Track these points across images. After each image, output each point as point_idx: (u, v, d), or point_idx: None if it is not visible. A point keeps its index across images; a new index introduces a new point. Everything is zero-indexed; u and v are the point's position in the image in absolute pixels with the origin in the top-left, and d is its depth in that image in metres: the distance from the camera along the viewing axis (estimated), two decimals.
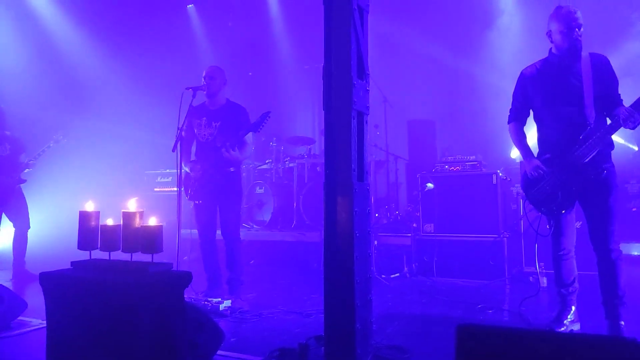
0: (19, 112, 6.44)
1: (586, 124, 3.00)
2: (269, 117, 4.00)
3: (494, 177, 5.11)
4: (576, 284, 3.24)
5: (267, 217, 6.38)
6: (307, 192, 6.24)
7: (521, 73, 3.33)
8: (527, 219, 3.48)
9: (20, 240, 5.50)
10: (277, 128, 7.25)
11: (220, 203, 4.13)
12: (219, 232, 4.23)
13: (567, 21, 3.02)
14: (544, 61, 3.24)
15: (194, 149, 4.29)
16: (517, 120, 3.37)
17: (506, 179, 5.40)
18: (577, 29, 3.01)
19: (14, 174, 5.43)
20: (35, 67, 7.31)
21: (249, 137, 4.15)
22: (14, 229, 5.54)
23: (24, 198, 5.56)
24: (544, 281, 4.55)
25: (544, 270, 4.58)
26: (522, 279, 4.84)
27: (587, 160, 2.99)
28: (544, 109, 3.20)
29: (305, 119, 8.92)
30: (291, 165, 6.83)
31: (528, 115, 3.36)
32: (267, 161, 7.13)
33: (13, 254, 5.48)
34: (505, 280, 4.84)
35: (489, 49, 6.79)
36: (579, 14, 3.03)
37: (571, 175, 3.06)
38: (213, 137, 4.12)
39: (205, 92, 4.17)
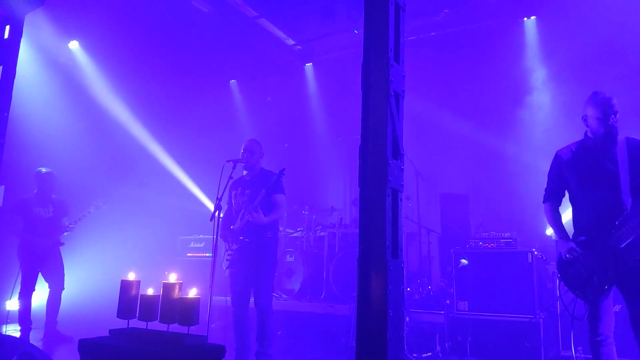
0: (65, 176, 6.80)
1: (623, 209, 2.99)
2: (284, 174, 4.17)
3: (530, 255, 5.01)
4: None
5: (296, 286, 6.35)
6: (337, 262, 6.22)
7: (556, 154, 3.36)
8: (562, 301, 3.38)
9: (53, 300, 5.63)
10: (309, 197, 7.40)
11: (255, 271, 4.17)
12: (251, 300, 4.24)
13: (603, 108, 3.09)
14: (580, 144, 3.28)
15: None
16: (551, 200, 3.38)
17: (542, 257, 5.28)
18: (612, 116, 3.07)
19: (54, 236, 5.66)
20: (83, 134, 7.76)
21: (282, 199, 4.26)
22: (49, 289, 5.69)
23: (61, 260, 5.75)
24: None
25: (582, 355, 4.36)
26: None
27: (623, 246, 2.95)
28: (579, 192, 3.21)
29: (337, 189, 9.05)
30: (322, 234, 6.86)
31: (563, 195, 3.36)
32: (298, 229, 7.20)
33: (46, 314, 5.59)
34: None
35: (520, 126, 6.87)
36: (615, 101, 3.10)
37: (607, 261, 3.01)
38: (245, 204, 4.26)
39: (243, 165, 4.35)
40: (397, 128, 2.62)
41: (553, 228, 3.38)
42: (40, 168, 5.91)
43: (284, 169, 4.20)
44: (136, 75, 7.95)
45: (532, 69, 6.99)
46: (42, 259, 5.55)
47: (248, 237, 4.14)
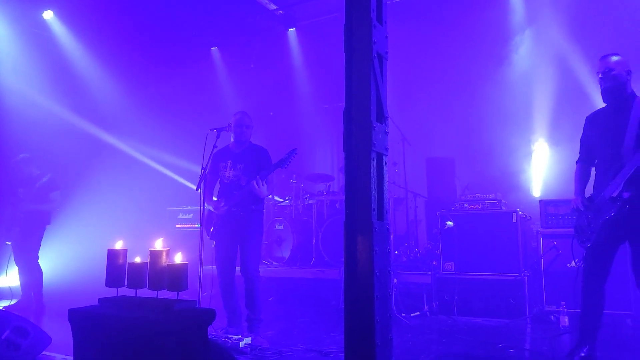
0: (46, 150, 6.72)
1: (622, 163, 3.13)
2: (296, 154, 4.15)
3: (514, 215, 5.10)
4: (601, 321, 3.23)
5: (286, 253, 6.42)
6: (326, 229, 6.28)
7: (586, 118, 3.55)
8: (545, 258, 3.55)
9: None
10: (297, 165, 7.36)
11: (240, 241, 4.21)
12: (238, 269, 4.28)
13: (598, 68, 3.30)
14: (603, 108, 3.45)
15: (216, 189, 4.41)
16: (582, 162, 3.58)
17: (526, 217, 5.38)
18: (600, 74, 3.27)
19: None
20: (62, 106, 7.62)
21: (274, 175, 4.28)
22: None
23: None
24: (565, 320, 4.48)
25: (565, 310, 4.51)
26: (543, 317, 4.77)
27: (612, 195, 3.12)
28: (597, 151, 3.41)
29: (325, 157, 9.05)
30: (311, 202, 6.90)
31: (594, 157, 3.49)
32: (286, 198, 7.22)
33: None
34: (526, 319, 4.78)
35: (504, 87, 6.87)
36: (610, 59, 3.26)
37: (598, 210, 3.21)
38: (237, 178, 4.25)
39: (233, 139, 4.34)
40: (381, 91, 2.60)
41: (575, 184, 3.56)
42: (20, 155, 5.92)
43: (295, 150, 4.17)
44: (114, 44, 7.74)
45: (517, 27, 6.95)
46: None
47: (236, 206, 4.15)
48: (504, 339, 4.08)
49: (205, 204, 4.19)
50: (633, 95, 3.26)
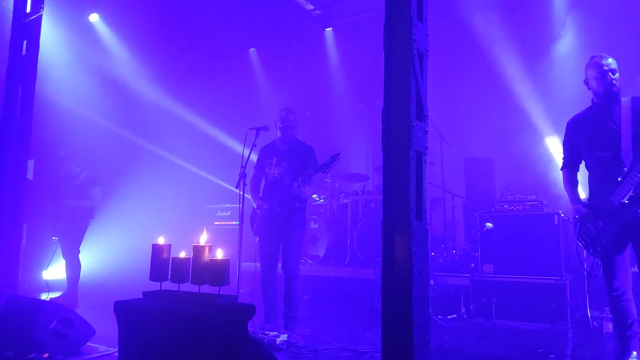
0: (91, 150, 6.97)
1: (622, 167, 3.07)
2: (338, 159, 4.17)
3: (556, 217, 4.96)
4: (636, 328, 3.16)
5: (321, 252, 6.44)
6: (361, 229, 6.26)
7: (567, 123, 3.49)
8: (579, 260, 3.46)
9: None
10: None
11: (283, 238, 4.27)
12: (279, 265, 4.34)
13: (599, 67, 3.21)
14: (587, 110, 3.40)
15: (262, 185, 4.48)
16: (567, 168, 3.53)
17: (568, 219, 5.21)
18: (610, 73, 3.17)
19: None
20: (107, 107, 7.89)
21: (317, 176, 4.30)
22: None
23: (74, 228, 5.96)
24: (609, 326, 4.32)
25: (608, 315, 4.35)
26: (586, 323, 4.60)
27: (623, 201, 3.05)
28: (587, 155, 3.34)
29: (359, 156, 9.03)
30: (345, 201, 6.90)
31: (579, 162, 3.48)
32: (321, 197, 7.25)
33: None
34: (567, 324, 4.64)
35: (546, 85, 6.68)
36: (610, 60, 3.21)
37: (609, 217, 3.12)
38: (281, 176, 4.30)
39: (280, 136, 4.38)
40: (420, 89, 2.58)
41: (567, 193, 3.51)
42: (60, 153, 6.17)
43: (338, 154, 4.18)
44: (156, 46, 7.95)
45: (558, 19, 6.75)
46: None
47: (279, 206, 4.21)
48: (544, 344, 3.97)
49: (251, 200, 4.29)
50: (618, 96, 3.21)
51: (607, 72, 3.17)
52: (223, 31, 8.25)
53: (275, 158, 4.36)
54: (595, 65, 3.23)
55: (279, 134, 4.39)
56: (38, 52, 4.38)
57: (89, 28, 8.02)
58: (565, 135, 3.50)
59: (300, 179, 4.10)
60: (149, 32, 7.77)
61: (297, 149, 4.37)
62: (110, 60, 8.14)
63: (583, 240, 3.30)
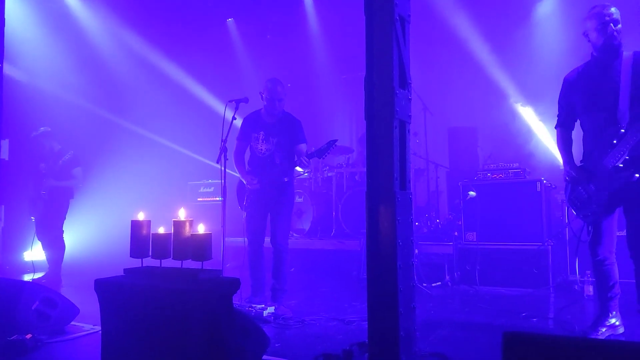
0: (68, 124, 6.80)
1: (618, 129, 2.94)
2: (335, 145, 4.09)
3: (538, 184, 5.00)
4: (617, 289, 3.16)
5: (306, 225, 6.45)
6: (345, 201, 6.27)
7: (564, 79, 3.30)
8: (570, 227, 3.43)
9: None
10: (315, 138, 7.33)
11: (272, 212, 4.21)
12: (267, 239, 4.32)
13: (599, 17, 2.99)
14: (585, 64, 3.20)
15: (247, 157, 4.38)
16: (562, 126, 3.35)
17: (551, 186, 5.27)
18: (611, 24, 2.96)
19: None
20: (82, 80, 7.67)
21: (304, 147, 4.23)
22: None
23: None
24: (590, 289, 4.42)
25: (589, 279, 4.45)
26: (567, 287, 4.72)
27: (617, 164, 2.94)
28: (583, 114, 3.18)
29: (343, 129, 8.98)
30: (330, 174, 6.88)
31: (575, 120, 3.31)
32: (306, 171, 7.21)
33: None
34: (549, 288, 4.74)
35: (526, 52, 6.66)
36: (613, 10, 2.99)
37: (602, 181, 3.03)
38: (271, 152, 4.20)
39: (265, 108, 4.23)
40: (403, 55, 2.52)
41: (560, 153, 3.37)
42: (40, 128, 5.93)
43: (335, 140, 4.09)
44: (131, 19, 7.70)
45: None
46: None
47: (270, 184, 4.13)
48: (527, 308, 4.05)
49: (239, 175, 4.22)
50: (620, 50, 3.00)
51: (608, 22, 2.95)
52: (200, 1, 8.00)
53: (262, 132, 4.21)
54: (595, 15, 2.99)
55: (265, 104, 4.24)
56: (4, 27, 4.18)
57: (61, 2, 7.72)
58: (561, 92, 3.29)
59: (303, 157, 3.99)
60: (123, 3, 7.51)
61: (285, 123, 4.24)
62: (84, 34, 7.87)
63: (573, 204, 3.21)
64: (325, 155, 4.06)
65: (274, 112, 4.20)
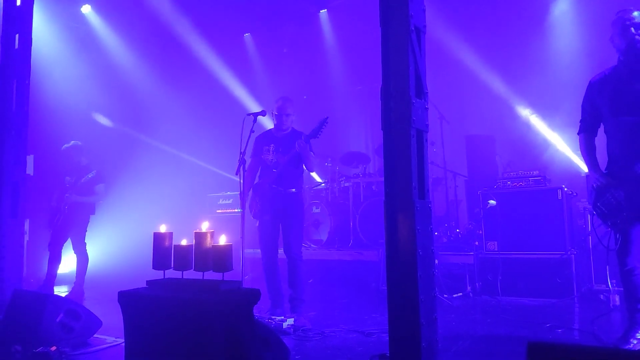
0: (90, 140, 6.93)
1: None
2: (327, 122, 4.18)
3: (559, 192, 4.93)
4: None
5: (324, 236, 6.44)
6: (363, 211, 6.25)
7: (589, 82, 3.25)
8: (595, 234, 3.35)
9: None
10: (332, 148, 7.36)
11: (283, 221, 4.28)
12: (281, 250, 4.33)
13: (622, 21, 3.01)
14: (612, 69, 3.17)
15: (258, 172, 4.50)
16: (586, 132, 3.28)
17: (572, 193, 5.19)
18: (632, 28, 2.97)
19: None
20: (103, 97, 7.85)
21: (313, 151, 4.34)
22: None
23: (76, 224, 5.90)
24: (616, 299, 4.32)
25: (616, 288, 4.35)
26: (592, 297, 4.62)
27: None
28: (610, 118, 3.11)
29: (359, 139, 8.98)
30: (346, 184, 6.87)
31: (598, 126, 3.26)
32: (323, 181, 7.23)
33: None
34: (574, 298, 4.63)
35: (543, 59, 6.60)
36: (635, 14, 2.99)
37: (633, 188, 2.96)
38: (279, 163, 4.30)
39: (275, 125, 4.41)
40: (419, 65, 2.53)
41: (584, 160, 3.31)
42: (70, 142, 6.05)
43: (327, 118, 4.20)
44: (150, 35, 7.89)
45: None
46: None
47: (276, 185, 4.25)
48: (551, 319, 3.97)
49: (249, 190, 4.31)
50: None
51: (629, 26, 2.96)
52: (217, 18, 8.15)
53: (272, 145, 4.37)
54: (618, 20, 3.03)
55: (274, 122, 4.42)
56: (31, 45, 4.33)
57: (82, 20, 7.94)
58: (585, 96, 3.23)
59: (302, 137, 4.15)
60: (142, 21, 7.70)
61: (294, 137, 4.35)
62: (105, 52, 8.07)
63: (601, 212, 3.12)
64: (319, 134, 4.14)
65: (283, 128, 4.37)
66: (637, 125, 2.95)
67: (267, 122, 4.47)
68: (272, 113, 4.40)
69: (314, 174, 6.78)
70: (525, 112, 6.60)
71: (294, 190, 4.29)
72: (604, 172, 3.14)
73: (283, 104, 4.37)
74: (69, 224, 5.78)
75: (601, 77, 3.18)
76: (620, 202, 3.01)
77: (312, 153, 4.23)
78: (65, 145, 6.01)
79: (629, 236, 3.04)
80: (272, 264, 4.30)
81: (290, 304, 4.21)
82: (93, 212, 6.05)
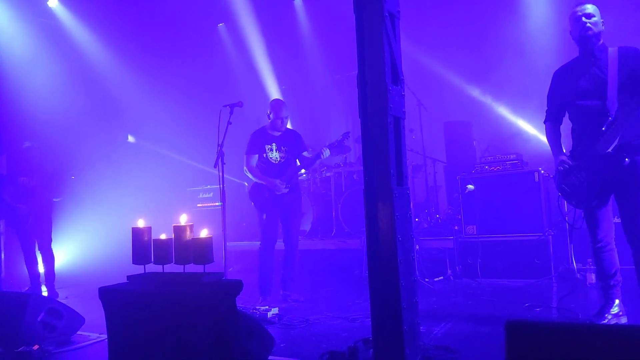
0: (60, 135, 6.81)
1: (607, 116, 3.02)
2: (349, 137, 4.74)
3: (536, 174, 5.03)
4: (619, 277, 3.20)
5: (307, 226, 6.46)
6: (345, 200, 6.28)
7: (554, 73, 3.41)
8: (561, 213, 3.48)
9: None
10: (312, 139, 7.35)
11: (285, 216, 4.60)
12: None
13: (573, 13, 3.17)
14: (573, 59, 3.33)
15: (257, 166, 4.67)
16: (550, 121, 3.45)
17: (549, 175, 5.29)
18: (583, 17, 3.11)
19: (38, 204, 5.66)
20: (73, 92, 7.66)
21: (307, 154, 4.79)
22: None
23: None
24: (592, 277, 4.44)
25: (591, 267, 4.47)
26: (570, 276, 4.73)
27: (608, 150, 3.00)
28: (571, 105, 3.26)
29: (339, 128, 8.95)
30: (328, 174, 6.89)
31: (563, 114, 3.41)
32: (303, 172, 7.22)
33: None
34: (552, 278, 4.75)
35: (518, 43, 6.68)
36: (588, 5, 3.14)
37: (594, 168, 3.08)
38: (285, 160, 4.64)
39: (271, 125, 4.66)
40: (394, 52, 2.54)
41: (550, 146, 3.45)
42: (24, 143, 5.86)
43: (348, 133, 4.81)
44: (119, 28, 7.73)
45: None
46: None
47: (289, 184, 4.59)
48: (530, 299, 4.07)
49: (253, 178, 4.59)
50: (605, 46, 3.15)
51: (580, 16, 3.12)
52: (190, 8, 8.01)
53: (274, 144, 4.65)
54: (571, 13, 3.20)
55: (270, 122, 4.65)
56: None
57: (50, 15, 7.73)
58: (551, 86, 3.41)
59: (325, 148, 4.65)
60: (112, 13, 7.52)
61: (290, 135, 4.76)
62: (76, 46, 7.89)
63: (565, 193, 3.26)
64: (342, 149, 4.80)
65: (279, 129, 4.65)
66: (594, 108, 3.10)
67: (243, 112, 4.48)
68: (268, 115, 4.64)
69: None
70: (482, 96, 6.70)
71: (297, 182, 4.70)
72: (568, 154, 3.29)
73: (279, 108, 4.65)
74: (37, 224, 5.63)
75: (563, 68, 3.35)
76: (582, 180, 3.14)
77: (325, 150, 4.67)
78: (26, 144, 5.81)
79: (595, 215, 3.18)
80: (270, 254, 4.55)
81: (282, 284, 4.57)
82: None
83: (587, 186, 3.11)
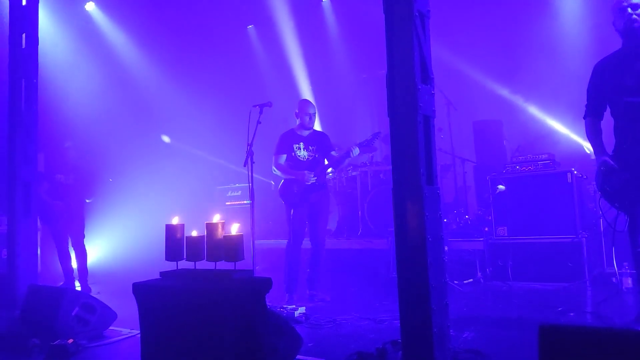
0: (97, 137, 6.98)
1: None
2: (379, 137, 4.75)
3: (569, 175, 4.90)
4: None
5: (332, 226, 6.46)
6: (371, 199, 6.26)
7: (594, 66, 3.26)
8: (604, 217, 3.34)
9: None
10: (338, 138, 7.34)
11: (313, 214, 4.67)
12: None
13: (619, 2, 3.04)
14: (615, 52, 3.17)
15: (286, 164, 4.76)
16: (591, 116, 3.29)
17: (582, 176, 5.16)
18: (629, 8, 2.98)
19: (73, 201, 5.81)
20: (110, 94, 7.87)
21: (334, 153, 4.87)
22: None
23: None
24: (628, 282, 4.30)
25: (627, 270, 4.33)
26: (604, 280, 4.59)
27: None
28: (615, 101, 3.11)
29: (365, 128, 8.93)
30: (354, 173, 6.87)
31: (604, 109, 3.25)
32: (330, 171, 7.22)
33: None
34: (585, 282, 4.61)
35: (550, 41, 6.53)
36: None
37: (638, 169, 2.95)
38: (313, 158, 4.75)
39: (300, 125, 4.78)
40: (424, 50, 2.52)
41: (591, 144, 3.31)
42: (66, 142, 6.03)
43: (379, 132, 4.81)
44: (154, 31, 7.90)
45: None
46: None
47: (318, 181, 4.66)
48: (563, 303, 3.96)
49: (282, 175, 4.68)
50: None
51: (625, 7, 2.98)
52: (220, 11, 8.13)
53: (302, 143, 4.75)
54: (616, 2, 3.06)
55: (298, 122, 4.78)
56: (37, 44, 4.36)
57: (87, 17, 7.96)
58: (591, 80, 3.24)
59: (355, 147, 4.64)
60: (146, 16, 7.69)
61: (318, 136, 4.90)
62: (111, 48, 8.10)
63: (607, 194, 3.12)
64: (372, 147, 4.93)
65: (307, 128, 4.77)
66: (638, 104, 2.95)
67: (273, 112, 4.53)
68: (297, 115, 4.78)
69: None
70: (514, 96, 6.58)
71: (326, 182, 4.81)
72: (610, 154, 3.14)
73: (308, 107, 4.78)
74: (70, 221, 5.80)
75: (605, 61, 3.19)
76: (627, 183, 3.00)
77: (355, 149, 4.68)
78: (67, 144, 5.99)
79: (636, 216, 3.04)
80: (297, 252, 4.63)
81: (308, 283, 4.63)
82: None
83: (631, 188, 2.98)
